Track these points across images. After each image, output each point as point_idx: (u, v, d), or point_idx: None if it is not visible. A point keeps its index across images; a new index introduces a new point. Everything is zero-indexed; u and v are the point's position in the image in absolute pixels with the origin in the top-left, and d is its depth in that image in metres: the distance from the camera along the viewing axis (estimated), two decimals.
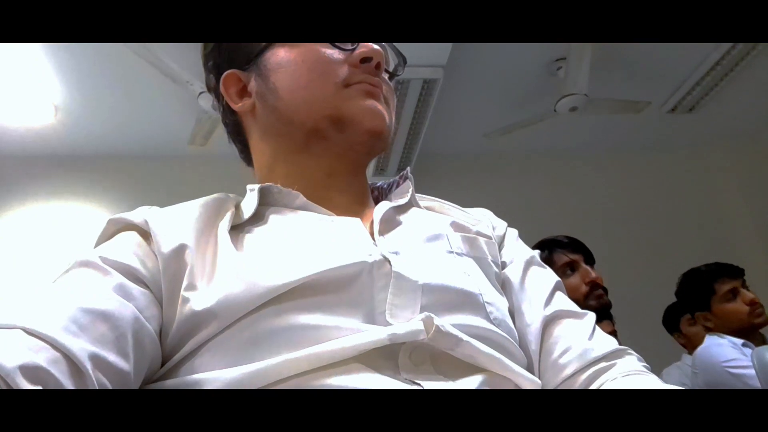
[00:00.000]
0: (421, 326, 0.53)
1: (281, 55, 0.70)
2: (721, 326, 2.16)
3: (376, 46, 0.70)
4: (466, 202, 0.80)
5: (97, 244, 0.63)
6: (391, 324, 0.55)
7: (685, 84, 3.43)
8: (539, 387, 0.61)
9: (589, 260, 1.82)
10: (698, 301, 2.22)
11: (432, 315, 0.54)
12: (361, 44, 0.70)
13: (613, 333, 2.07)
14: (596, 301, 1.74)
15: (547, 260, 1.73)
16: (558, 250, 1.79)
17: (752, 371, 1.88)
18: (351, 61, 0.69)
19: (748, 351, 2.00)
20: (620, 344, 0.66)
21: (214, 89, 0.77)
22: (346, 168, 0.71)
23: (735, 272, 2.21)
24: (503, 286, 0.70)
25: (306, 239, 0.61)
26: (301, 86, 0.68)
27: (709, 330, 2.19)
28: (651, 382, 0.60)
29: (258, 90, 0.72)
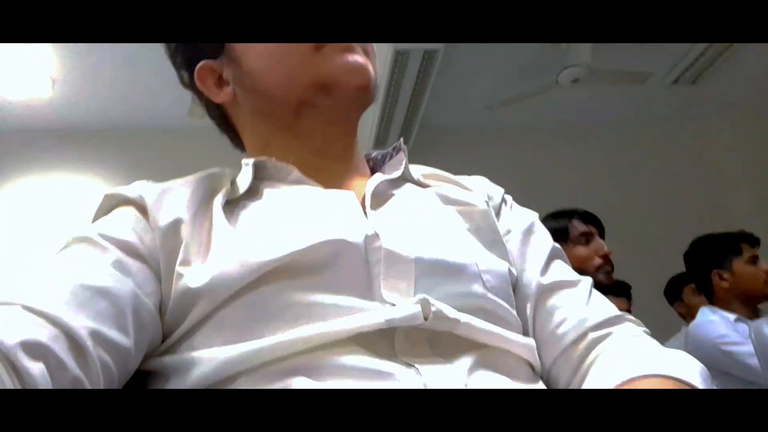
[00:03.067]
0: (418, 311, 0.53)
1: None
2: (736, 286, 2.18)
3: None
4: (466, 174, 0.79)
5: (95, 219, 0.62)
6: (387, 299, 0.54)
7: (688, 56, 3.39)
8: (533, 348, 0.61)
9: (602, 235, 1.88)
10: (721, 258, 2.23)
11: (429, 298, 0.54)
12: None
13: (627, 311, 2.10)
14: (605, 276, 1.81)
15: (565, 229, 1.82)
16: (576, 220, 1.86)
17: (743, 348, 1.92)
18: None
19: (742, 327, 2.03)
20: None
21: (189, 85, 0.75)
22: (339, 131, 0.70)
23: (757, 242, 2.25)
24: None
25: (299, 214, 0.61)
26: (275, 62, 0.66)
27: (726, 290, 2.20)
28: (649, 345, 0.60)
29: (234, 76, 0.69)
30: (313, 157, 0.68)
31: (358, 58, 0.66)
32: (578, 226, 1.84)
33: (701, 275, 2.29)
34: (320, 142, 0.69)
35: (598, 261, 1.80)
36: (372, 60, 0.69)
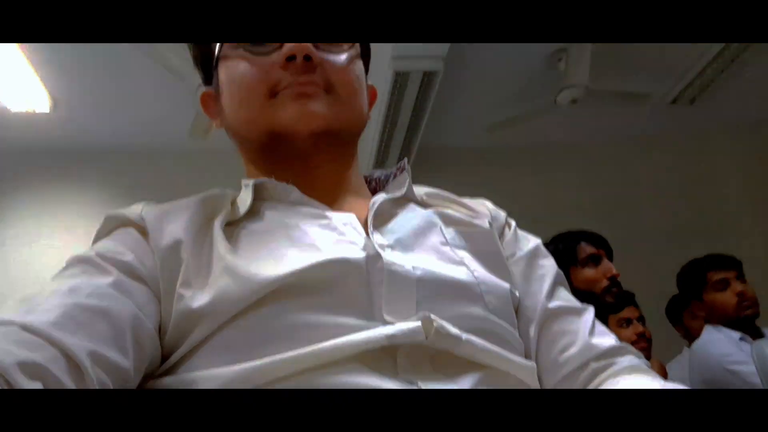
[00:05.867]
0: (419, 327, 0.53)
1: (223, 73, 0.69)
2: (711, 316, 2.17)
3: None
4: (465, 195, 0.79)
5: (95, 240, 0.63)
6: (388, 320, 0.54)
7: (686, 75, 3.41)
8: (534, 371, 0.61)
9: (610, 257, 1.89)
10: (692, 290, 2.22)
11: (431, 315, 0.54)
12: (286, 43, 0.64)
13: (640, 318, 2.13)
14: (612, 296, 1.83)
15: (573, 250, 1.82)
16: (584, 242, 1.87)
17: (748, 367, 1.90)
18: (278, 61, 0.64)
19: (746, 346, 2.00)
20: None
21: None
22: (319, 162, 0.68)
23: (729, 263, 2.20)
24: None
25: (301, 235, 0.61)
26: (236, 107, 0.68)
27: (704, 320, 2.19)
28: (649, 379, 0.61)
29: (219, 109, 0.72)
30: (303, 181, 0.67)
31: (312, 104, 0.64)
32: (586, 248, 1.85)
33: (677, 314, 2.31)
34: (303, 170, 0.68)
35: (605, 283, 1.82)
36: (338, 99, 0.66)
